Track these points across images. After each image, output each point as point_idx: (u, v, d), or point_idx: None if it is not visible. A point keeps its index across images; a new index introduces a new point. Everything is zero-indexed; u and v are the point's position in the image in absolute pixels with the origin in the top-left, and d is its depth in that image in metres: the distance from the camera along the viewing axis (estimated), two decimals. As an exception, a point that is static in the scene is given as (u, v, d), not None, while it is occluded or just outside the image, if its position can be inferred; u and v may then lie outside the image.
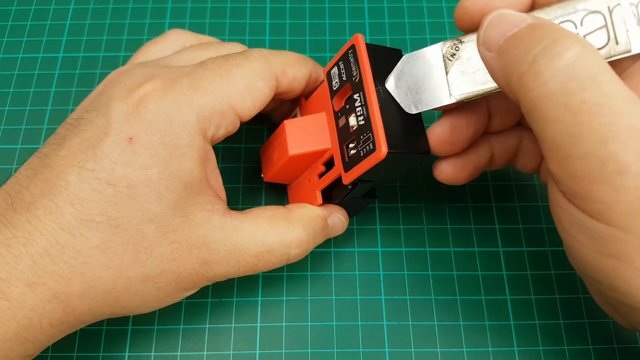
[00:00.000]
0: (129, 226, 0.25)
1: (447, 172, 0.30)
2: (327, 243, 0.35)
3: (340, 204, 0.32)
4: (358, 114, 0.28)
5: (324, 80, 0.31)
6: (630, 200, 0.19)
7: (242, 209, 0.30)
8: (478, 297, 0.34)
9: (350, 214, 0.34)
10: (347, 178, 0.28)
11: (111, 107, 0.26)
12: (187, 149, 0.26)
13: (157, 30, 0.43)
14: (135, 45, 0.43)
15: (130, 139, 0.25)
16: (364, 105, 0.27)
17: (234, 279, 0.34)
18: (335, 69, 0.30)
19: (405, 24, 0.43)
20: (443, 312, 0.34)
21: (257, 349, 0.33)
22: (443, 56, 0.26)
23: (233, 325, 0.33)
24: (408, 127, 0.28)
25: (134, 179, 0.25)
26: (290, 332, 0.33)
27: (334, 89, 0.30)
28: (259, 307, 0.34)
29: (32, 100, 0.40)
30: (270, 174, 0.33)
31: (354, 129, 0.28)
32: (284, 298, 0.34)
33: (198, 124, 0.27)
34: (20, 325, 0.24)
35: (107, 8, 0.44)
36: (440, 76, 0.26)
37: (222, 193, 0.30)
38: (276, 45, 0.43)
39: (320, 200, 0.31)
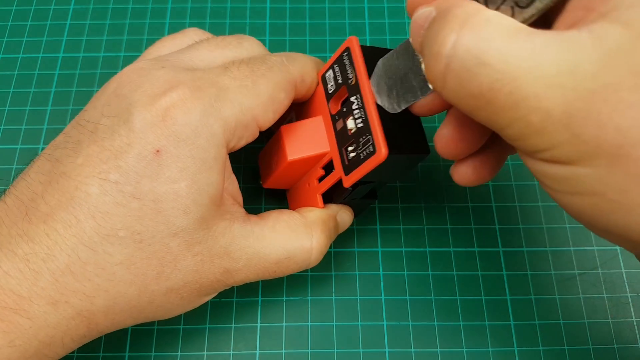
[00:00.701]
0: (153, 240, 0.24)
1: (468, 174, 0.27)
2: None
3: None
4: (356, 116, 0.28)
5: (318, 84, 0.31)
6: (568, 136, 0.19)
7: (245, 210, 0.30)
8: (478, 297, 0.34)
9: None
10: (348, 181, 0.28)
11: (133, 115, 0.25)
12: (214, 162, 0.26)
13: (157, 30, 0.43)
14: (135, 46, 0.43)
15: (157, 151, 0.24)
16: (362, 107, 0.27)
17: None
18: (330, 72, 0.30)
19: (405, 24, 0.43)
20: (443, 312, 0.34)
21: (257, 349, 0.33)
22: (414, 50, 0.26)
23: (233, 325, 0.33)
24: (407, 128, 0.28)
25: (161, 193, 0.24)
26: (290, 332, 0.33)
27: (330, 92, 0.30)
28: (259, 307, 0.34)
29: (32, 100, 0.40)
30: (269, 181, 0.32)
31: (352, 131, 0.28)
32: (284, 298, 0.34)
33: (224, 137, 0.26)
34: (42, 343, 0.23)
35: (107, 8, 0.44)
36: (417, 70, 0.26)
37: (239, 197, 0.29)
38: (276, 45, 0.42)
39: (321, 204, 0.31)
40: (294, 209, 0.31)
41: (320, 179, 0.31)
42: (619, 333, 0.33)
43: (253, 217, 0.29)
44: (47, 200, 0.24)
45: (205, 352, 0.33)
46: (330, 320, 0.34)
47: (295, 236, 0.29)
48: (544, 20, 0.21)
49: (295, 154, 0.30)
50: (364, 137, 0.27)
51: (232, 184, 0.28)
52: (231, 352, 0.33)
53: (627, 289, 0.34)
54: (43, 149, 0.38)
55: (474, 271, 0.35)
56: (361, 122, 0.27)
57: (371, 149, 0.26)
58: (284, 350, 0.33)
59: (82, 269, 0.23)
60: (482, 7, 0.20)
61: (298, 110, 0.33)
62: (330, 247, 0.35)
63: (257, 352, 0.33)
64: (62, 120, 0.39)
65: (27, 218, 0.24)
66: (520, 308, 0.34)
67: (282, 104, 0.28)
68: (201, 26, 0.43)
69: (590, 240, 0.35)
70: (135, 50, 0.42)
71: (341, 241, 0.36)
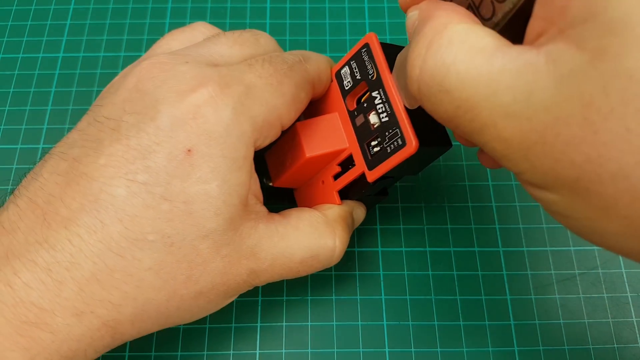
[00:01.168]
0: (183, 244, 0.23)
1: (492, 160, 0.27)
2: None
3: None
4: (379, 111, 0.27)
5: (332, 81, 0.31)
6: (528, 166, 0.18)
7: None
8: (478, 297, 0.34)
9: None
10: (372, 175, 0.28)
11: (161, 113, 0.24)
12: (243, 162, 0.25)
13: (157, 30, 0.43)
14: (135, 46, 0.43)
15: (189, 150, 0.23)
16: (386, 102, 0.27)
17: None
18: (346, 69, 0.30)
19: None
20: (443, 312, 0.34)
21: (257, 349, 0.33)
22: None
23: (233, 325, 0.33)
24: (428, 122, 0.28)
25: (192, 194, 0.23)
26: (291, 332, 0.33)
27: (346, 88, 0.30)
28: (259, 307, 0.34)
29: (32, 100, 0.40)
30: (281, 179, 0.32)
31: (376, 126, 0.28)
32: (284, 298, 0.34)
33: (252, 135, 0.25)
34: (64, 357, 0.22)
35: (107, 8, 0.44)
36: None
37: (260, 196, 0.28)
38: (276, 45, 0.42)
39: (339, 201, 0.31)
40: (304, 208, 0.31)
41: (336, 176, 0.31)
42: (619, 333, 0.33)
43: (276, 216, 0.28)
44: (68, 203, 0.23)
45: (205, 352, 0.33)
46: (330, 320, 0.34)
47: (319, 235, 0.28)
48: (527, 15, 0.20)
49: (313, 151, 0.29)
50: (390, 130, 0.27)
51: (255, 183, 0.27)
52: (231, 352, 0.33)
53: (628, 289, 0.34)
54: (44, 148, 0.38)
55: (474, 271, 0.35)
56: (386, 116, 0.27)
57: (400, 142, 0.26)
58: (284, 350, 0.33)
59: (109, 276, 0.22)
60: (451, 21, 0.20)
61: (308, 108, 0.33)
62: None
63: (257, 352, 0.33)
64: (62, 120, 0.39)
65: (46, 223, 0.22)
66: (520, 308, 0.34)
67: (302, 103, 0.28)
68: None
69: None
70: (135, 50, 0.42)
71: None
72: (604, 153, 0.16)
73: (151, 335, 0.32)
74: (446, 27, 0.20)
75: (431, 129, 0.28)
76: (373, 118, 0.28)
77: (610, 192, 0.16)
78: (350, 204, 0.32)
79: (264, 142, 0.27)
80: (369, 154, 0.28)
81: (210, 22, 0.42)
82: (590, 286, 0.34)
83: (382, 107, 0.27)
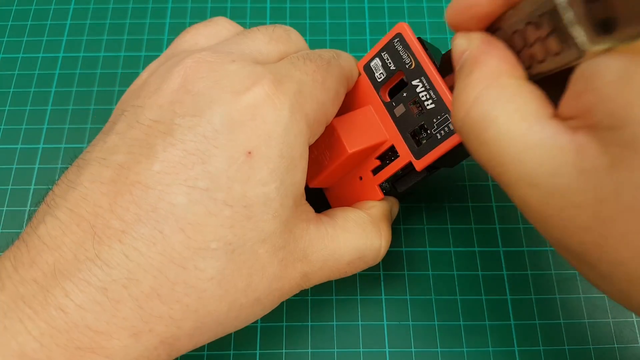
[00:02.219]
0: (244, 249, 0.22)
1: None
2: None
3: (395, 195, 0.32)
4: (423, 98, 0.27)
5: (360, 75, 0.30)
6: (542, 232, 0.21)
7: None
8: (478, 297, 0.34)
9: None
10: (421, 164, 0.28)
11: (218, 114, 0.22)
12: (299, 161, 0.24)
13: (157, 30, 0.43)
14: (135, 46, 0.43)
15: (249, 153, 0.22)
16: (430, 89, 0.27)
17: None
18: (376, 61, 0.29)
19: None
20: (443, 312, 0.34)
21: (257, 349, 0.33)
22: None
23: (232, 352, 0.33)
24: None
25: (252, 197, 0.22)
26: (290, 332, 0.33)
27: (379, 80, 0.29)
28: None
29: (32, 100, 0.40)
30: (318, 179, 0.31)
31: (420, 114, 0.28)
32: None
33: (307, 133, 0.25)
34: None
35: (107, 8, 0.44)
36: None
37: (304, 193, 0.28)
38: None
39: (381, 195, 0.31)
40: (341, 206, 0.31)
41: (376, 170, 0.30)
42: (619, 333, 0.33)
43: (324, 217, 0.27)
44: (120, 214, 0.21)
45: (205, 352, 0.33)
46: (330, 320, 0.34)
47: (366, 235, 0.28)
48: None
49: (355, 146, 0.29)
50: (439, 117, 0.27)
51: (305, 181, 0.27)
52: (231, 352, 0.33)
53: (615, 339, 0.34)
54: (44, 148, 0.38)
55: (474, 271, 0.35)
56: (432, 102, 0.27)
57: (451, 126, 0.26)
58: (284, 350, 0.33)
59: (170, 290, 0.21)
60: (501, 73, 0.21)
61: None
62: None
63: (257, 352, 0.33)
64: (62, 121, 0.39)
65: (97, 237, 0.20)
66: (520, 308, 0.34)
67: (341, 98, 0.28)
68: None
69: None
70: (135, 50, 0.42)
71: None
72: (607, 243, 0.18)
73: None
74: (496, 79, 0.21)
75: None
76: (416, 107, 0.28)
77: (609, 271, 0.18)
78: (389, 200, 0.31)
79: (312, 140, 0.26)
80: (414, 143, 0.28)
81: None
82: (590, 286, 0.34)
83: (425, 95, 0.27)
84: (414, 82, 0.28)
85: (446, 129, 0.27)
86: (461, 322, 0.33)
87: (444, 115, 0.27)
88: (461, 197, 0.37)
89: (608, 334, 0.33)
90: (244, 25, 0.43)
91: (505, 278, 0.35)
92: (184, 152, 0.22)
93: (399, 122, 0.29)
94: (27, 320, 0.19)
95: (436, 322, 0.33)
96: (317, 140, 0.29)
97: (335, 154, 0.30)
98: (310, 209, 0.27)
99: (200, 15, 0.44)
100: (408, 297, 0.34)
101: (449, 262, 0.35)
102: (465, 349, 0.33)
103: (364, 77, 0.30)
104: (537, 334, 0.33)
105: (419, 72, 0.27)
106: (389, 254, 0.34)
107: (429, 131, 0.27)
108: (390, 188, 0.31)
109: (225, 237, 0.22)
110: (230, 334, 0.33)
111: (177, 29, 0.43)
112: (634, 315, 0.33)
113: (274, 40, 0.27)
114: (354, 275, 0.35)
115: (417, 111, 0.28)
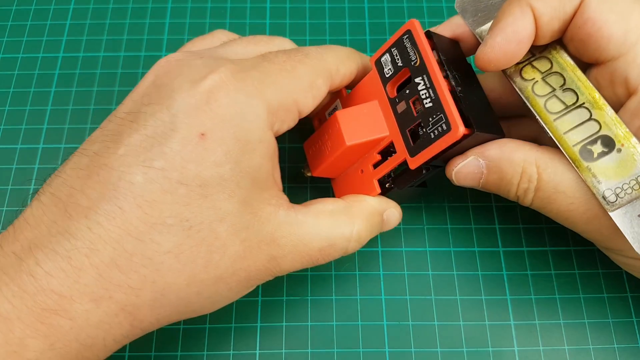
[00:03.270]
0: (202, 227, 0.24)
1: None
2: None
3: (396, 193, 0.32)
4: (423, 97, 0.27)
5: (371, 69, 0.30)
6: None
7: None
8: (478, 297, 0.34)
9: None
10: (415, 162, 0.28)
11: (176, 100, 0.24)
12: (258, 144, 0.25)
13: (157, 30, 0.43)
14: (135, 46, 0.43)
15: (202, 134, 0.24)
16: (430, 87, 0.27)
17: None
18: (387, 56, 0.29)
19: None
20: (443, 312, 0.34)
21: (257, 349, 0.33)
22: None
23: (233, 325, 0.33)
24: (482, 110, 0.28)
25: (207, 177, 0.24)
26: (290, 332, 0.33)
27: (387, 76, 0.29)
28: (259, 307, 0.34)
29: (32, 100, 0.40)
30: (320, 169, 0.32)
31: (419, 112, 0.28)
32: (284, 298, 0.34)
33: (268, 118, 0.26)
34: (83, 345, 0.23)
35: (107, 8, 0.44)
36: None
37: (281, 185, 0.29)
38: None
39: (378, 190, 0.31)
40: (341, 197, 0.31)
41: (377, 165, 0.30)
42: (619, 333, 0.33)
43: (297, 205, 0.28)
44: (88, 193, 0.23)
45: (205, 352, 0.33)
46: (330, 320, 0.34)
47: (337, 224, 0.28)
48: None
49: (353, 139, 0.29)
50: (434, 116, 0.27)
51: (277, 172, 0.28)
52: (231, 352, 0.33)
53: (628, 289, 0.34)
54: (44, 148, 0.38)
55: (474, 271, 0.35)
56: (430, 101, 0.27)
57: (444, 127, 0.26)
58: (284, 350, 0.33)
59: (128, 260, 0.23)
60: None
61: (347, 98, 0.33)
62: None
63: (257, 352, 0.33)
64: (62, 121, 0.39)
65: (67, 214, 0.23)
66: (520, 308, 0.34)
67: (320, 90, 0.28)
68: (201, 26, 0.43)
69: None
70: (135, 50, 0.42)
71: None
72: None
73: (151, 334, 0.33)
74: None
75: (486, 117, 0.28)
76: (416, 105, 0.28)
77: None
78: (384, 203, 0.31)
79: (282, 127, 0.27)
80: (410, 141, 0.28)
81: (210, 22, 0.43)
82: (590, 286, 0.34)
83: (425, 93, 0.27)
84: (417, 80, 0.28)
85: (440, 129, 0.26)
86: (461, 322, 0.33)
87: (439, 115, 0.27)
88: (461, 198, 0.37)
89: (608, 334, 0.33)
90: (243, 25, 0.43)
91: (505, 278, 0.35)
92: (144, 136, 0.24)
93: (399, 118, 0.29)
94: (3, 286, 0.22)
95: (436, 322, 0.33)
96: (321, 131, 0.31)
97: (335, 145, 0.30)
98: (283, 197, 0.28)
99: (200, 16, 0.44)
100: (408, 297, 0.34)
101: (449, 262, 0.35)
102: (465, 349, 0.33)
103: (374, 72, 0.30)
104: (537, 333, 0.33)
105: (422, 69, 0.28)
106: (388, 254, 0.35)
107: (424, 130, 0.27)
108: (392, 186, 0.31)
109: (181, 214, 0.23)
110: (230, 333, 0.33)
111: (177, 29, 0.43)
112: (633, 314, 0.33)
113: (253, 43, 0.30)
114: (354, 276, 0.35)
115: (417, 109, 0.28)
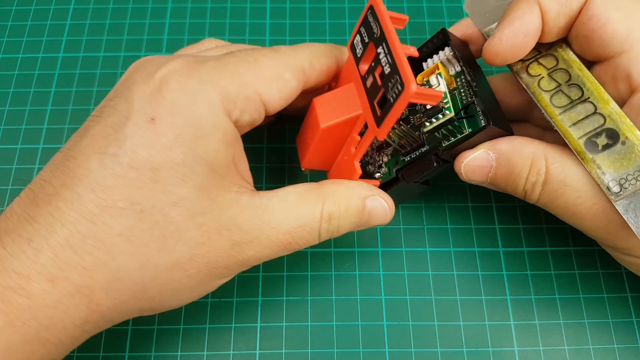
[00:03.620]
0: (154, 210, 0.24)
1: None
2: (327, 243, 0.35)
3: (400, 188, 0.32)
4: (383, 64, 0.26)
5: (349, 54, 0.30)
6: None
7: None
8: (478, 297, 0.34)
9: (396, 203, 0.32)
10: (381, 133, 0.27)
11: (133, 91, 0.25)
12: (212, 130, 0.25)
13: (157, 30, 0.43)
14: (135, 46, 0.43)
15: (152, 119, 0.25)
16: (388, 53, 0.26)
17: (234, 277, 0.34)
18: (357, 37, 0.29)
19: (406, 25, 0.43)
20: (443, 312, 0.34)
21: (257, 349, 0.33)
22: None
23: (233, 325, 0.33)
24: (494, 108, 0.29)
25: (158, 161, 0.24)
26: (290, 332, 0.33)
27: (359, 55, 0.29)
28: (259, 307, 0.34)
29: (32, 100, 0.40)
30: (307, 159, 0.32)
31: (381, 81, 0.27)
32: (284, 298, 0.34)
33: (222, 105, 0.26)
34: (42, 326, 0.23)
35: (107, 8, 0.44)
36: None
37: (250, 178, 0.29)
38: (276, 44, 0.42)
39: (359, 171, 0.30)
40: None
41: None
42: (619, 333, 0.33)
43: (264, 192, 0.28)
44: (54, 183, 0.24)
45: (205, 352, 0.33)
46: (330, 320, 0.34)
47: (306, 204, 0.28)
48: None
49: (327, 121, 0.29)
50: (392, 80, 0.25)
51: (243, 164, 0.29)
52: (231, 352, 0.33)
53: (627, 289, 0.34)
54: (44, 149, 0.38)
55: (474, 271, 0.35)
56: (389, 67, 0.26)
57: (399, 87, 0.25)
58: (284, 350, 0.33)
59: (81, 242, 0.23)
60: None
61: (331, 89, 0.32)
62: (330, 247, 0.35)
63: (257, 352, 0.33)
64: (62, 121, 0.39)
65: (35, 203, 0.24)
66: (520, 308, 0.34)
67: (288, 83, 0.28)
68: (201, 26, 0.43)
69: (590, 240, 0.35)
70: (135, 50, 0.42)
71: (341, 241, 0.36)
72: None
73: (151, 335, 0.33)
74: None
75: (498, 114, 0.29)
76: (382, 76, 0.27)
77: None
78: (368, 188, 0.30)
79: (243, 117, 0.27)
80: (378, 111, 0.27)
81: (210, 22, 0.43)
82: (590, 286, 0.34)
83: (385, 60, 0.26)
84: (378, 50, 0.27)
85: (396, 90, 0.25)
86: (461, 323, 0.33)
87: (395, 77, 0.25)
88: (461, 197, 0.37)
89: (608, 334, 0.33)
90: (243, 25, 0.43)
91: (505, 278, 0.35)
92: (103, 126, 0.25)
93: (368, 93, 0.28)
94: None
95: (436, 322, 0.33)
96: (304, 122, 0.32)
97: (314, 130, 0.30)
98: (246, 185, 0.28)
99: (200, 16, 0.44)
100: (408, 297, 0.34)
101: (449, 262, 0.35)
102: (465, 349, 0.33)
103: (350, 56, 0.30)
104: (537, 333, 0.33)
105: (382, 38, 0.26)
106: (388, 254, 0.35)
107: (386, 95, 0.26)
108: (388, 174, 0.31)
109: (132, 197, 0.24)
110: (230, 333, 0.33)
111: (176, 29, 0.43)
112: (633, 315, 0.33)
113: (226, 48, 0.30)
114: (354, 276, 0.35)
115: (380, 77, 0.27)
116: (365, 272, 0.35)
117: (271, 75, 0.27)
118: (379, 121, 0.27)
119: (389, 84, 0.26)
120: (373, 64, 0.27)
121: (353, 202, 0.29)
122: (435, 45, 0.32)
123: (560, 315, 0.34)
